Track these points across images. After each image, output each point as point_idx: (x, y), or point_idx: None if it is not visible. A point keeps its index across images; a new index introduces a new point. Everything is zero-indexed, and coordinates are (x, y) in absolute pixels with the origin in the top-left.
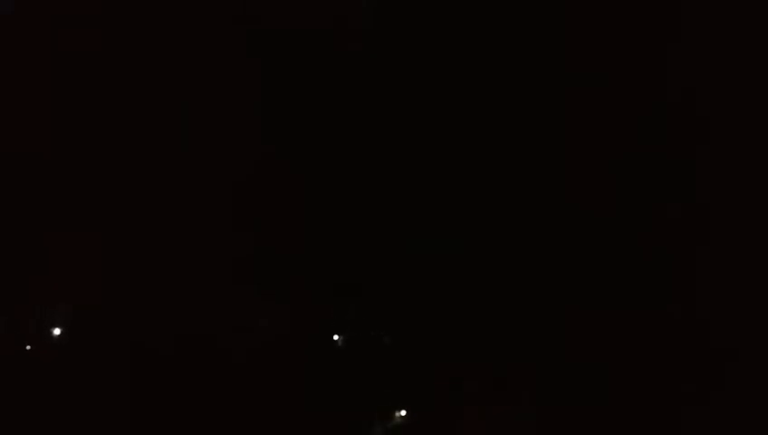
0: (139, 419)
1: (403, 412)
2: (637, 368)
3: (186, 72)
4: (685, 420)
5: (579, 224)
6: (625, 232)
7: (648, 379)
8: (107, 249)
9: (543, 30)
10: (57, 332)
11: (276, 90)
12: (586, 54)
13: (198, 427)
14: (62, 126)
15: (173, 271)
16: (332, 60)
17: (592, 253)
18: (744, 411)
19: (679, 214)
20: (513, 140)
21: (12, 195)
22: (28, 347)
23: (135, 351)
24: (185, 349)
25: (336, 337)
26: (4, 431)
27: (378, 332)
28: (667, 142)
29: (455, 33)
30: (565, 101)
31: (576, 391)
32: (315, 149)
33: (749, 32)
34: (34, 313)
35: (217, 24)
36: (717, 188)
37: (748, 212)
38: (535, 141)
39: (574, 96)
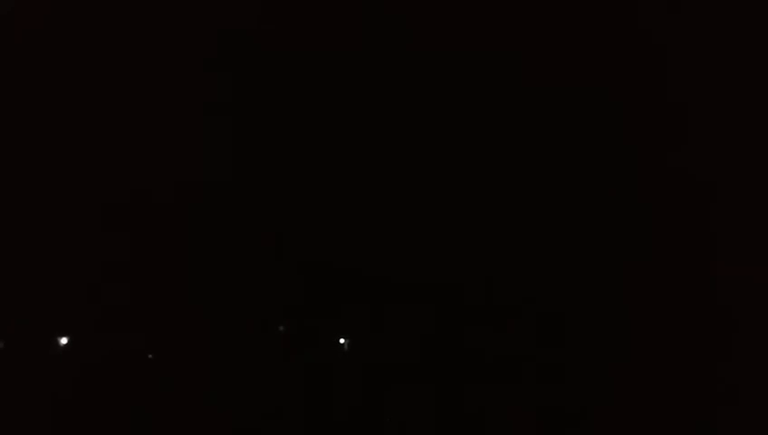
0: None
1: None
2: (637, 368)
3: (182, 73)
4: (685, 420)
5: (578, 223)
6: (625, 231)
7: (649, 378)
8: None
9: (543, 29)
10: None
11: (275, 91)
12: (586, 55)
13: (197, 427)
14: (62, 126)
15: (179, 268)
16: (332, 59)
17: (593, 252)
18: (745, 412)
19: (680, 214)
20: (512, 140)
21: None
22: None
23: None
24: (185, 349)
25: (342, 340)
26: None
27: (378, 334)
28: (667, 141)
29: (455, 33)
30: (564, 98)
31: (576, 391)
32: (314, 149)
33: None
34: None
35: (215, 25)
36: (718, 188)
37: (749, 212)
38: (535, 141)
39: (574, 94)
